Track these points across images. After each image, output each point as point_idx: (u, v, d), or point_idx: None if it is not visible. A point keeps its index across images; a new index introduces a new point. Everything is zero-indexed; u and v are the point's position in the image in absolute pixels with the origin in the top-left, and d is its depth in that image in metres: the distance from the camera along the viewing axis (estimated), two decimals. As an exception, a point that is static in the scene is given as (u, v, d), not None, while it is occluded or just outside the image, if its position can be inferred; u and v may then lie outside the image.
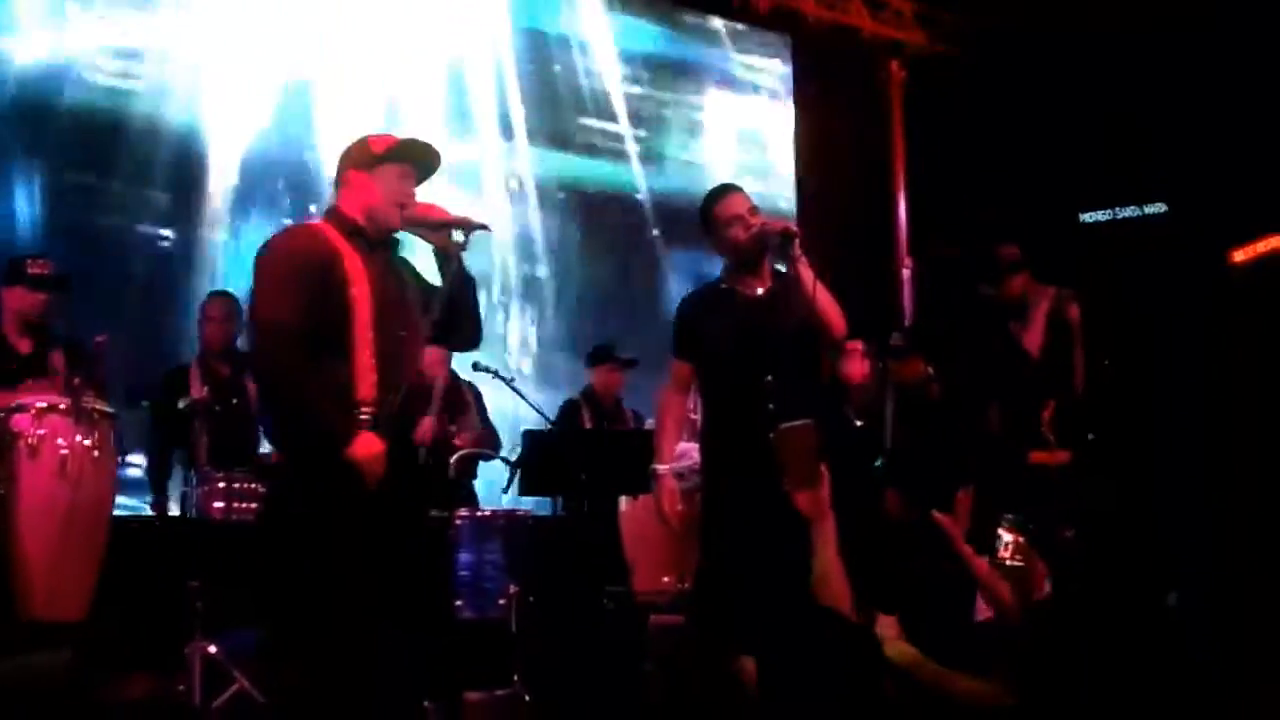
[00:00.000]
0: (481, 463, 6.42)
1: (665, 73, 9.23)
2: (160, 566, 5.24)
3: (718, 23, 9.43)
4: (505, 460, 6.04)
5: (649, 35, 9.19)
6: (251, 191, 7.45)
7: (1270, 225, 6.10)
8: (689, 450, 5.00)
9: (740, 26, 9.45)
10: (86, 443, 4.88)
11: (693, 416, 4.97)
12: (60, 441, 4.84)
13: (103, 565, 4.94)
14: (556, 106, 8.68)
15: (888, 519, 5.65)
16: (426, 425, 5.74)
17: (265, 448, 5.97)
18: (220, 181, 7.34)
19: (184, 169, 7.26)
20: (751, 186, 4.90)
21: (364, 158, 3.65)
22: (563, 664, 5.46)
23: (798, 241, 4.26)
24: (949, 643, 4.44)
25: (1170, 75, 7.58)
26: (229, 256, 7.29)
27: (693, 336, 4.53)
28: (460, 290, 3.70)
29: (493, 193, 8.31)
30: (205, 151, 7.32)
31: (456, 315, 3.73)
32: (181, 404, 5.54)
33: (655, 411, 4.78)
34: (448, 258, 3.68)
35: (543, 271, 8.48)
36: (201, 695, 4.93)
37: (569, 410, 6.88)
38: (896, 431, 5.83)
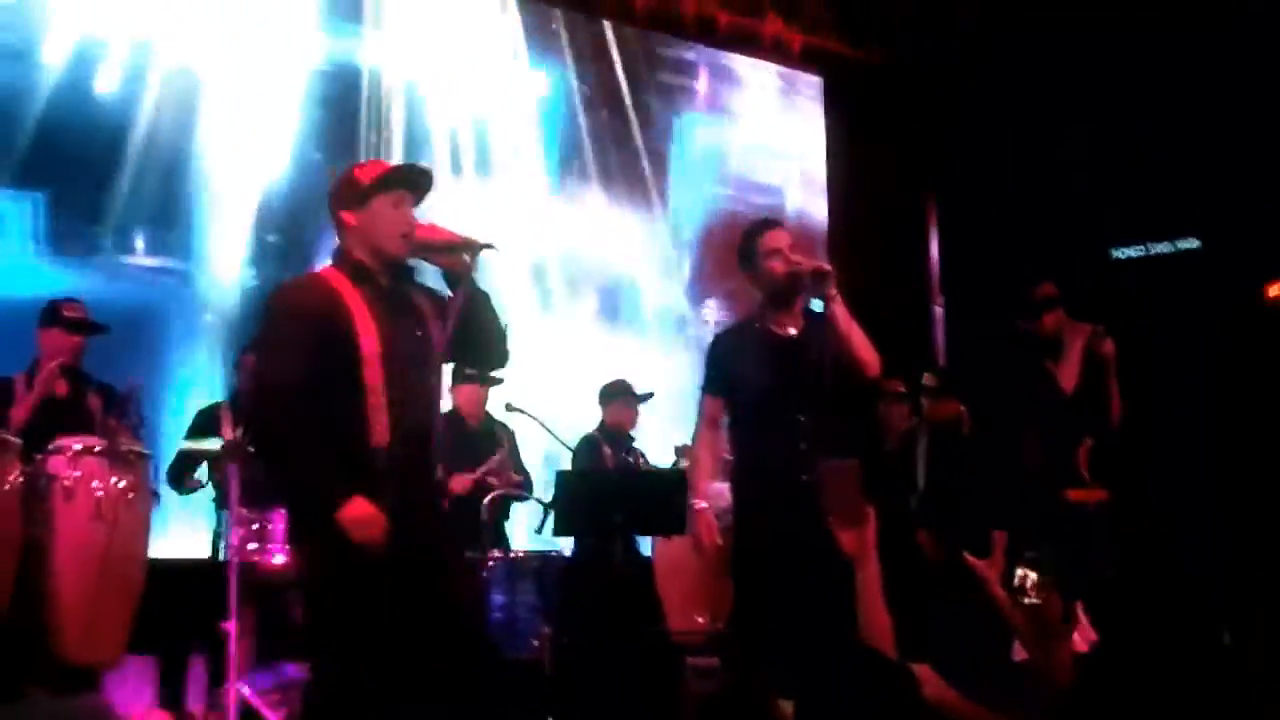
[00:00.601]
0: (514, 504, 6.42)
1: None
2: (194, 608, 5.23)
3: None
4: (539, 501, 6.03)
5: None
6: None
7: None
8: (724, 490, 4.98)
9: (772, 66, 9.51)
10: (121, 484, 4.89)
11: (728, 456, 4.95)
12: (95, 484, 4.85)
13: (137, 607, 4.95)
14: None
15: (924, 559, 5.61)
16: (464, 480, 5.76)
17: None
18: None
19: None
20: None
21: (353, 194, 3.57)
22: (597, 706, 5.43)
23: (832, 281, 4.25)
24: (987, 683, 4.40)
25: (1204, 109, 7.56)
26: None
27: (725, 374, 4.52)
28: (473, 311, 3.62)
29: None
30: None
31: (472, 337, 3.66)
32: (216, 445, 5.56)
33: (691, 449, 4.77)
34: (456, 279, 3.62)
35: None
36: (235, 737, 4.92)
37: (590, 447, 6.81)
38: (930, 471, 5.80)
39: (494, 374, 5.98)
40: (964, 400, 5.95)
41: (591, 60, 8.66)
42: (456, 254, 3.59)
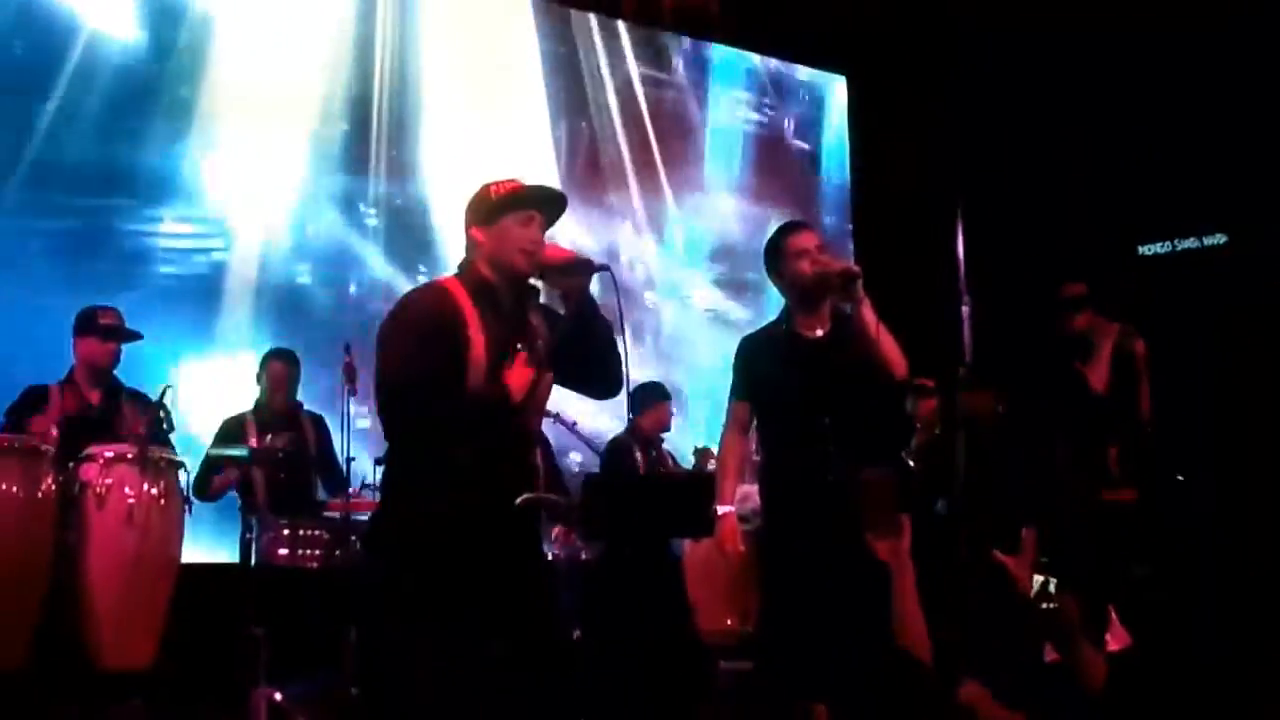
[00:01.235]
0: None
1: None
2: (225, 613, 5.26)
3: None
4: (571, 503, 6.03)
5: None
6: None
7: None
8: (751, 493, 4.98)
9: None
10: (153, 491, 4.92)
11: (755, 459, 4.94)
12: (128, 490, 4.88)
13: (169, 613, 4.97)
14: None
15: (960, 559, 5.58)
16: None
17: (322, 494, 6.07)
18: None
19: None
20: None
21: (484, 211, 3.57)
22: (628, 708, 5.43)
23: (859, 282, 4.24)
24: (1021, 687, 4.39)
25: (1229, 105, 7.52)
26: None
27: (752, 378, 4.52)
28: (584, 334, 3.57)
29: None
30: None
31: (580, 360, 3.61)
32: (244, 451, 5.60)
33: (717, 453, 4.76)
34: (568, 300, 3.60)
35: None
36: (267, 742, 4.94)
37: (619, 450, 6.82)
38: (967, 468, 5.75)
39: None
40: (996, 393, 5.92)
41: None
42: (573, 275, 3.56)
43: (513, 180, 3.61)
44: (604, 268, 3.57)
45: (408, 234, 7.77)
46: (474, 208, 3.61)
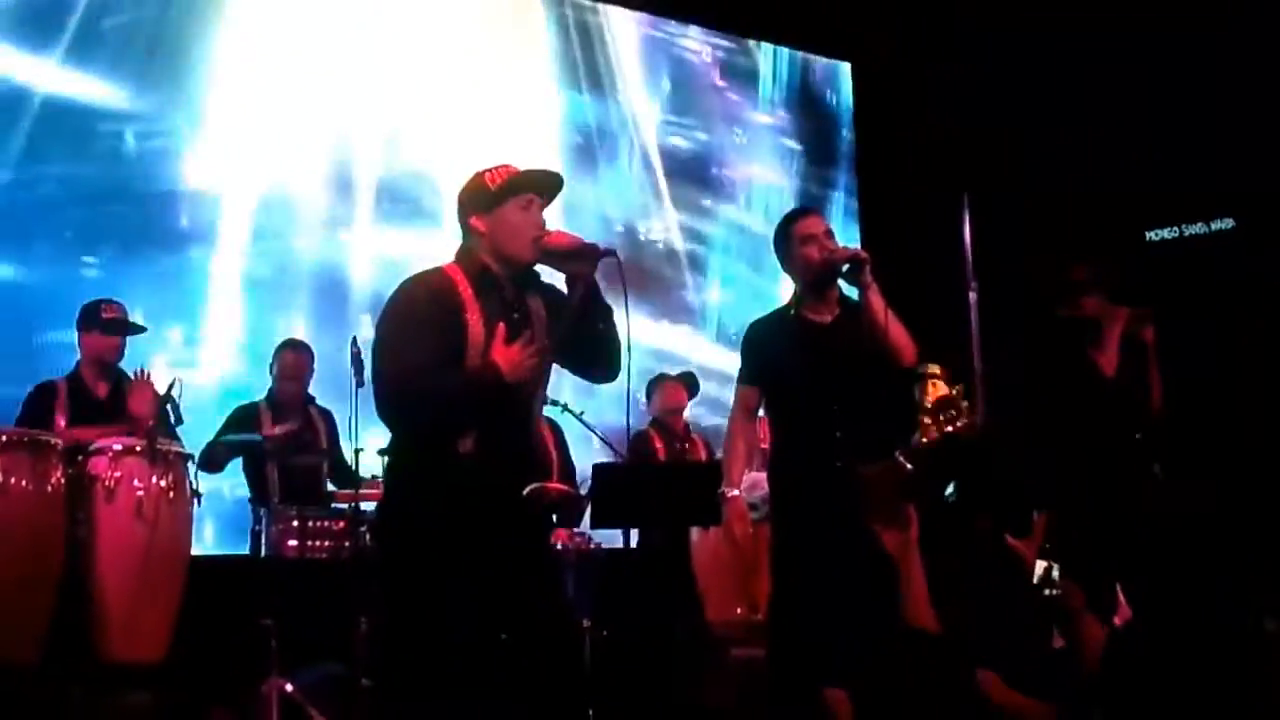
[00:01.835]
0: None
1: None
2: (236, 605, 5.27)
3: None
4: (579, 494, 6.03)
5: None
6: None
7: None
8: (760, 480, 4.98)
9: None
10: (162, 484, 4.95)
11: (764, 446, 4.94)
12: (137, 483, 4.91)
13: (180, 605, 4.98)
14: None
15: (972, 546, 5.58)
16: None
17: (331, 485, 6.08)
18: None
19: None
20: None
21: (482, 199, 3.55)
22: (638, 698, 5.43)
23: (868, 268, 4.24)
24: (1031, 671, 4.40)
25: (1236, 89, 7.49)
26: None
27: (760, 363, 4.52)
28: (588, 320, 3.55)
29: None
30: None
31: (582, 346, 3.59)
32: (253, 439, 5.60)
33: (724, 438, 4.77)
34: (573, 286, 3.58)
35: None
36: (278, 733, 4.95)
37: (640, 441, 6.81)
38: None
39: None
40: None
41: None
42: (579, 261, 3.54)
43: (506, 165, 3.59)
44: (610, 253, 3.55)
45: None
46: (470, 197, 3.58)
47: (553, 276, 3.65)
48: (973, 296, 8.00)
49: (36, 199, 6.58)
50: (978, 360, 7.08)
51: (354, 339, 5.43)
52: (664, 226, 8.78)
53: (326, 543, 5.31)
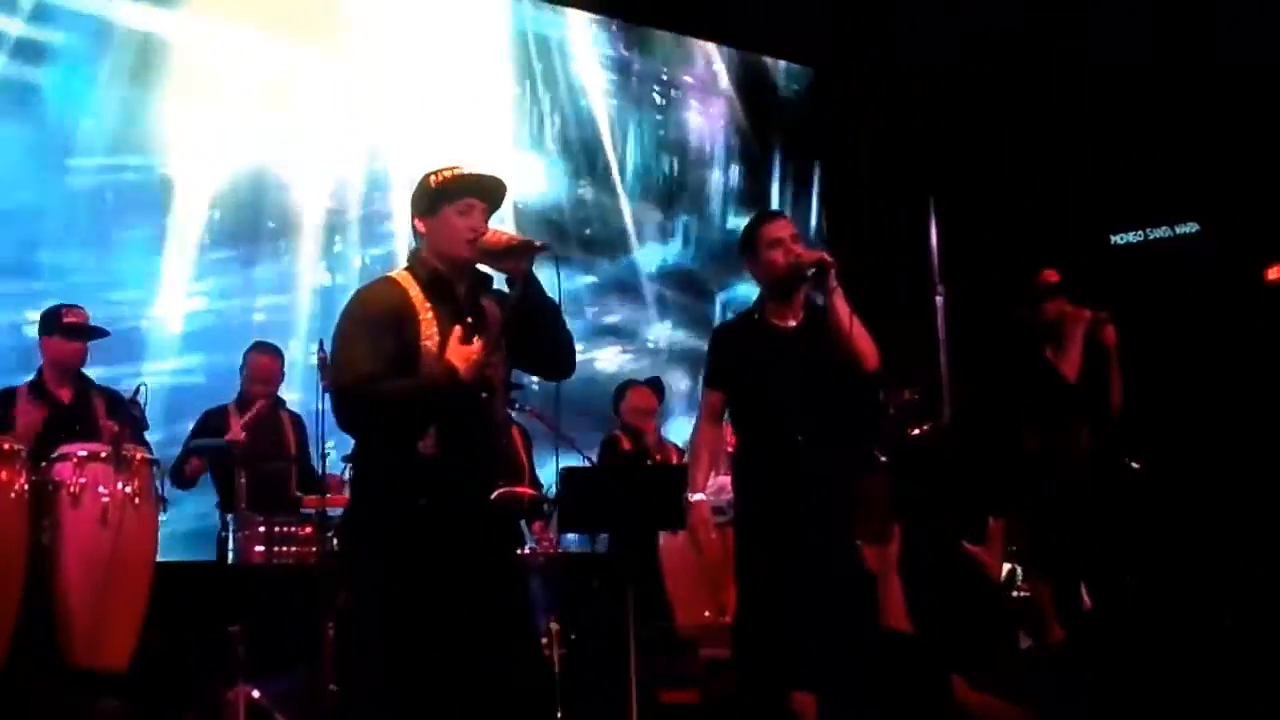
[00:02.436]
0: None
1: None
2: (202, 611, 5.25)
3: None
4: (546, 499, 6.03)
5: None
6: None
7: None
8: (727, 484, 4.99)
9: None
10: (127, 490, 4.91)
11: (730, 450, 4.96)
12: (101, 489, 4.87)
13: (145, 612, 4.96)
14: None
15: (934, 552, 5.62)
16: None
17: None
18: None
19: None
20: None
21: (424, 201, 3.57)
22: (606, 701, 5.43)
23: (833, 272, 4.25)
24: (998, 673, 4.42)
25: (1199, 93, 7.56)
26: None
27: (724, 367, 4.53)
28: (531, 317, 3.54)
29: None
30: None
31: (529, 345, 3.61)
32: (223, 444, 5.59)
33: (689, 442, 4.77)
34: (513, 283, 3.57)
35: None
36: (245, 739, 4.93)
37: (609, 445, 6.83)
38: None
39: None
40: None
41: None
42: (514, 258, 3.53)
43: (453, 167, 3.59)
44: (545, 248, 3.54)
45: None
46: (416, 198, 3.60)
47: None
48: (939, 300, 8.05)
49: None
50: (944, 364, 7.09)
51: (320, 343, 5.41)
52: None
53: (293, 548, 5.29)
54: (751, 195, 9.41)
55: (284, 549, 5.31)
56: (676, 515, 4.51)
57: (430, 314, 3.46)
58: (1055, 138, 8.15)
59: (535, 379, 4.04)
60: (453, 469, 3.40)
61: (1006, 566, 4.22)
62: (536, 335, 3.60)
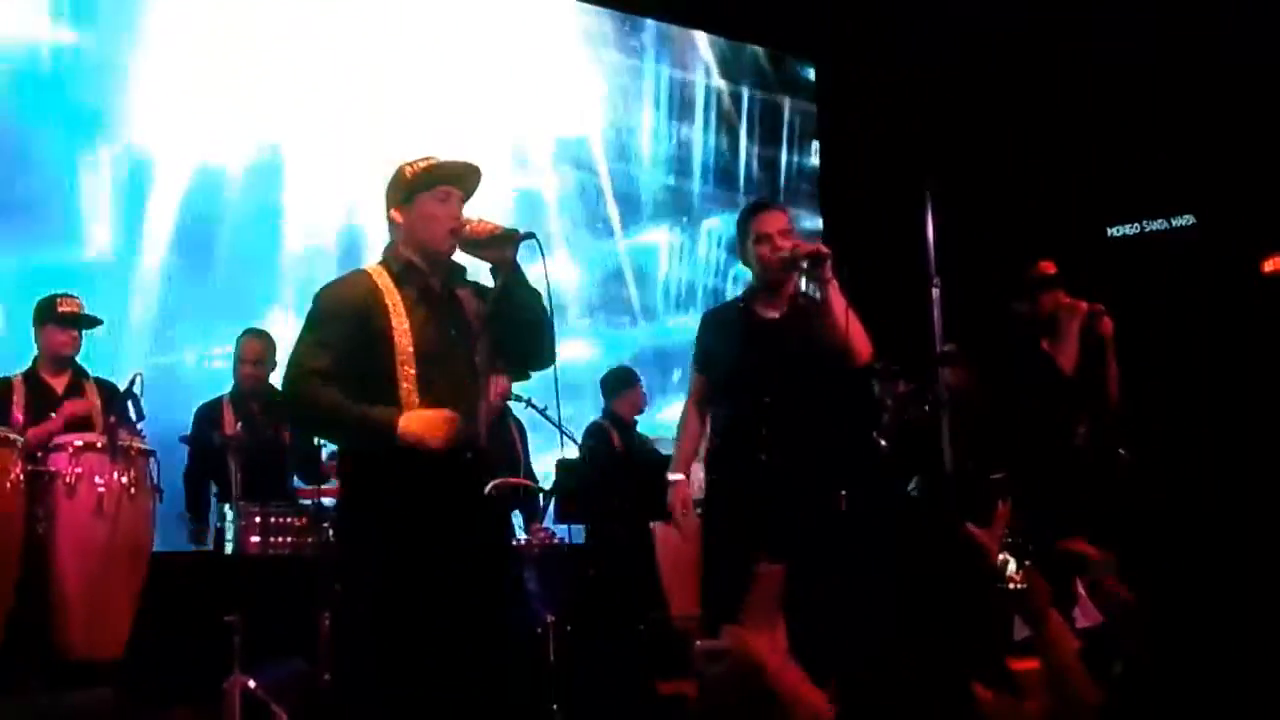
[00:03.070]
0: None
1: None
2: (198, 601, 5.24)
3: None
4: (540, 489, 6.04)
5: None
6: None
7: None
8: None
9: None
10: (123, 480, 4.92)
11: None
12: (97, 479, 4.87)
13: (141, 602, 4.96)
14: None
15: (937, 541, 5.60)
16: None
17: (297, 481, 6.05)
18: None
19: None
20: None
21: (399, 192, 3.54)
22: (601, 692, 5.44)
23: (828, 264, 4.24)
24: (992, 669, 4.40)
25: (1196, 86, 7.56)
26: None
27: (707, 352, 4.55)
28: (513, 307, 3.54)
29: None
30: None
31: (510, 334, 3.59)
32: (216, 440, 5.57)
33: (678, 424, 4.77)
34: (496, 273, 3.56)
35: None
36: (241, 729, 4.93)
37: (598, 434, 6.83)
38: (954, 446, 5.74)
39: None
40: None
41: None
42: (497, 246, 3.52)
43: (428, 157, 3.57)
44: (529, 236, 3.53)
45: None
46: (391, 189, 3.58)
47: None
48: (935, 293, 8.05)
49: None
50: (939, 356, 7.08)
51: None
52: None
53: (289, 539, 5.28)
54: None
55: (280, 539, 5.30)
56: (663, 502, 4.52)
57: (403, 308, 3.43)
58: (1051, 131, 8.15)
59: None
60: (444, 460, 3.38)
61: (1001, 558, 4.20)
62: (517, 327, 3.58)
